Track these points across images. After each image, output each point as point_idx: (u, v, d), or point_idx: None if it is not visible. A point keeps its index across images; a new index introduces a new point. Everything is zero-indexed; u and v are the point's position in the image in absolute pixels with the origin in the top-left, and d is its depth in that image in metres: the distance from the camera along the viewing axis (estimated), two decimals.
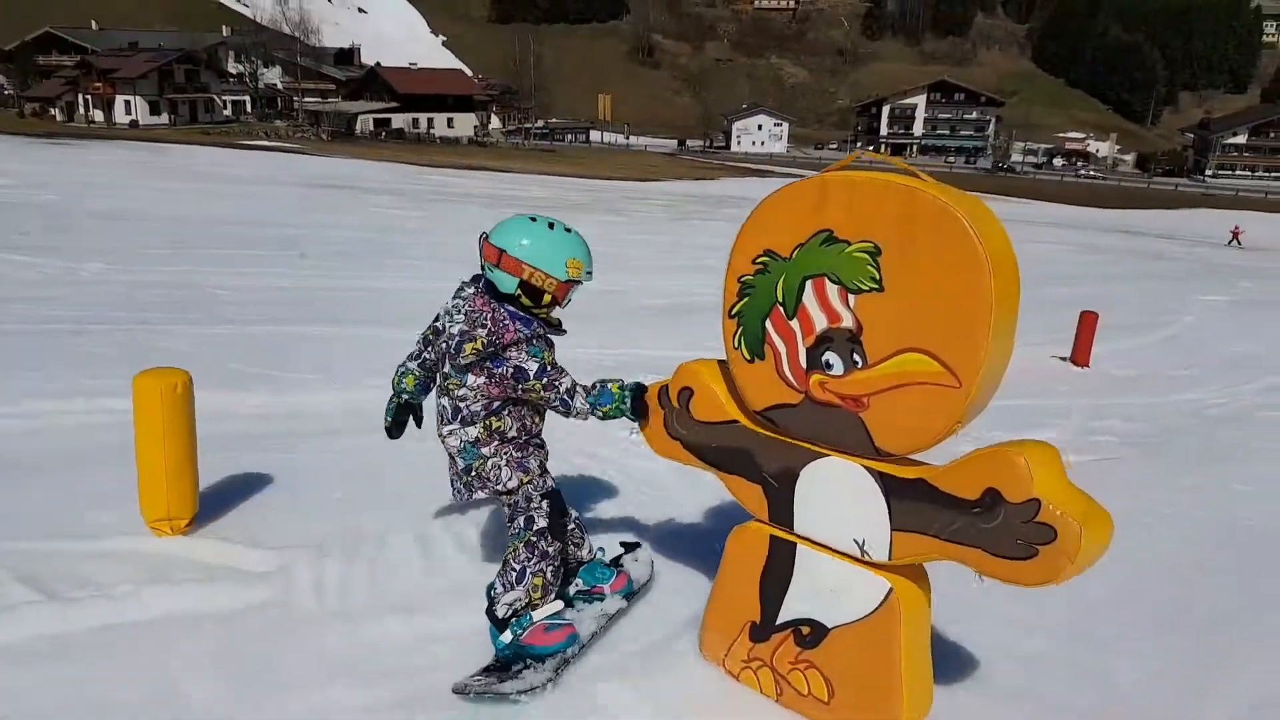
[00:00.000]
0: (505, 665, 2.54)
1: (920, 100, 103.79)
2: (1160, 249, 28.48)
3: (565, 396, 2.55)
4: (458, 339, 2.52)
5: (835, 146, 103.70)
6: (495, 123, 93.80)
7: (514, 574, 2.60)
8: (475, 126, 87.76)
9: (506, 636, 2.57)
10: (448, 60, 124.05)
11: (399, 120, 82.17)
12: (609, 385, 2.63)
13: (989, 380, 2.15)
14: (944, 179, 2.37)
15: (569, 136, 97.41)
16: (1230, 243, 31.50)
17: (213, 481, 3.55)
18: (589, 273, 2.62)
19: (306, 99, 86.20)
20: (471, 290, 2.59)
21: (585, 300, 2.76)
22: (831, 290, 2.26)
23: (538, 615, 2.59)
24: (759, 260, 2.40)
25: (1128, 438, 6.04)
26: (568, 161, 66.43)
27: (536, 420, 2.72)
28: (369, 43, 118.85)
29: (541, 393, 2.54)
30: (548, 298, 2.56)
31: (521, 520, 2.64)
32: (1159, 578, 3.66)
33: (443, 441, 2.65)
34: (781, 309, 2.35)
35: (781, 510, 2.49)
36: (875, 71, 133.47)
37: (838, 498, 2.38)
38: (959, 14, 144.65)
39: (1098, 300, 14.16)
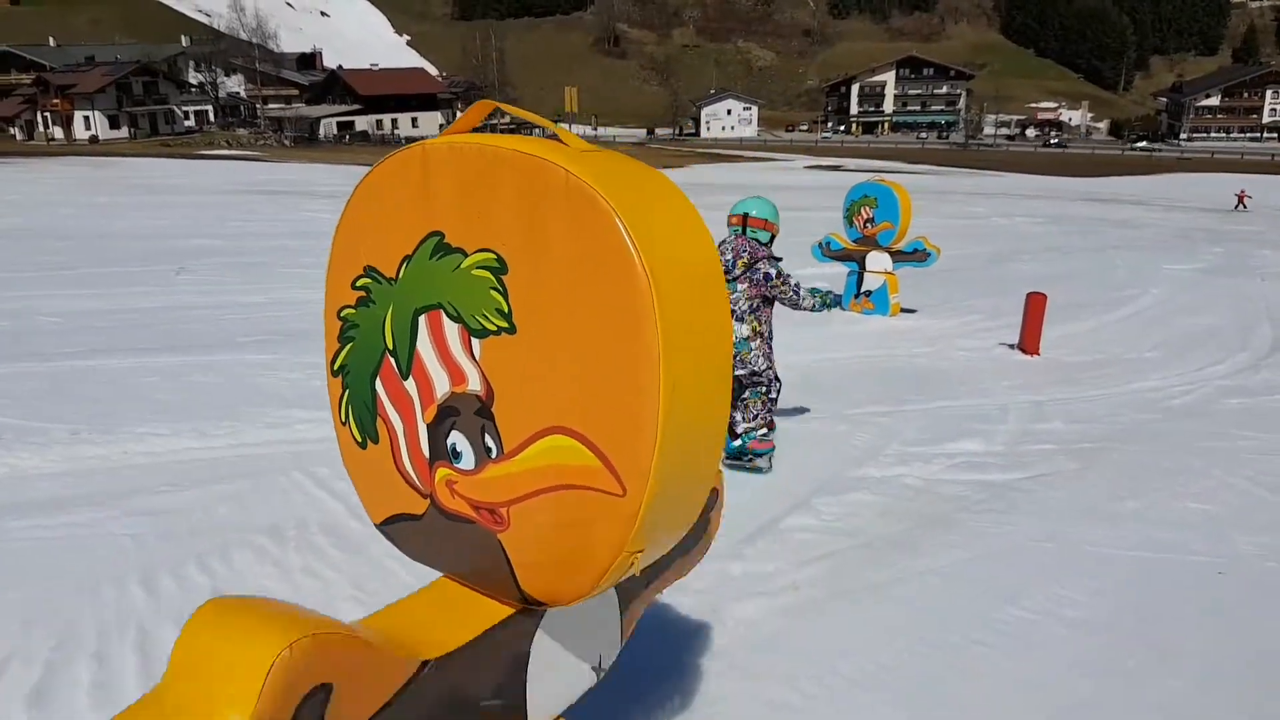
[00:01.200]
0: (735, 456, 4.42)
1: (889, 77, 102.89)
2: (1131, 216, 27.76)
3: (795, 289, 4.28)
4: (731, 258, 4.25)
5: (805, 128, 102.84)
6: None
7: (754, 413, 4.40)
8: (440, 125, 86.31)
9: (737, 443, 4.41)
10: (413, 60, 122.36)
11: (362, 122, 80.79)
12: (816, 286, 4.49)
13: (679, 484, 1.25)
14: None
15: (536, 130, 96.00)
16: (1236, 207, 30.87)
17: None
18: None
19: (269, 105, 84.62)
20: (731, 237, 4.35)
21: None
22: (451, 331, 1.36)
23: (758, 434, 4.43)
24: (360, 284, 1.50)
25: (1070, 443, 5.17)
26: None
27: (772, 328, 4.42)
28: (333, 46, 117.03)
29: (780, 287, 4.26)
30: (774, 238, 4.44)
31: (763, 388, 4.41)
32: (1064, 666, 2.78)
33: None
34: (393, 361, 1.46)
35: None
36: (844, 51, 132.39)
37: (573, 649, 1.49)
38: None
39: (1060, 275, 13.38)
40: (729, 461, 4.41)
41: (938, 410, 5.78)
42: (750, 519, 3.86)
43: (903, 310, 9.38)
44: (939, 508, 4.12)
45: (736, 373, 4.24)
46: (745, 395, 4.41)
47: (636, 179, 1.25)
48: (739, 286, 4.22)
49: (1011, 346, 7.86)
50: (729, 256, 4.25)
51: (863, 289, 9.27)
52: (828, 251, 9.40)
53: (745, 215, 4.42)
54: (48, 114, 75.20)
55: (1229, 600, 3.29)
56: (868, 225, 9.11)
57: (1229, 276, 13.56)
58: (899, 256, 9.07)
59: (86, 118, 74.57)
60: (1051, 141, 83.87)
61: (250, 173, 37.29)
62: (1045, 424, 5.56)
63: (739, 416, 4.39)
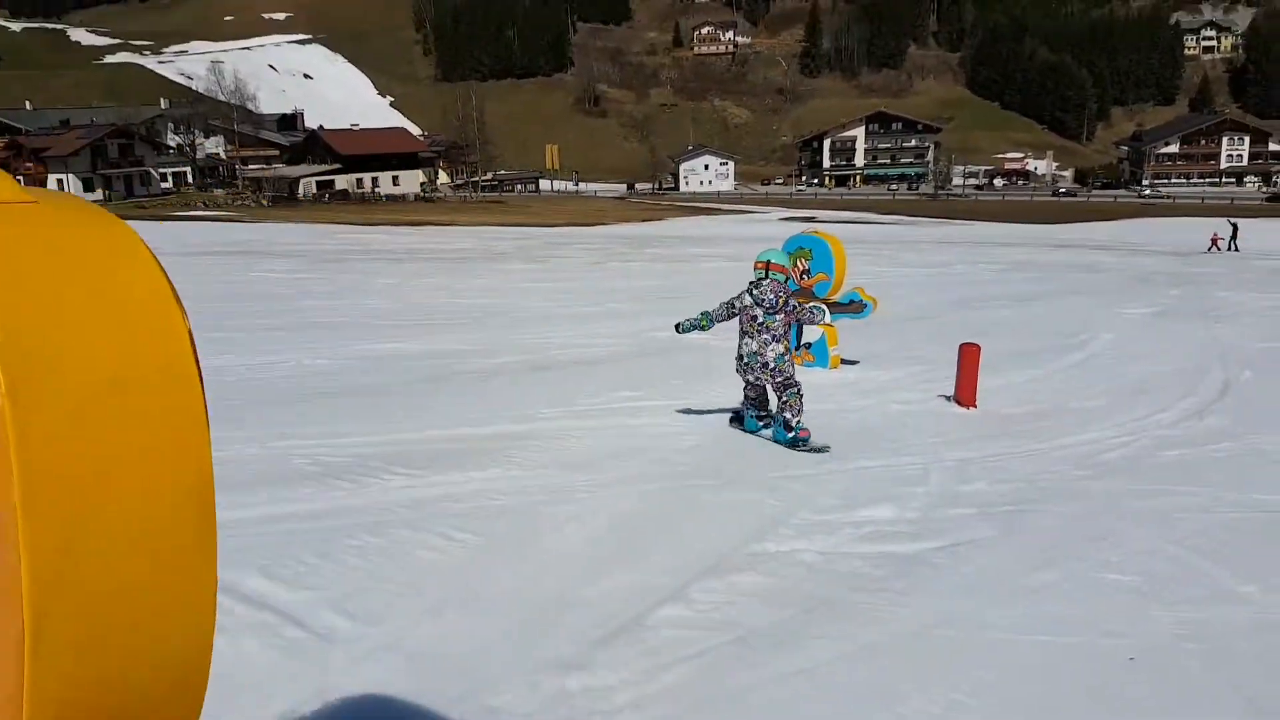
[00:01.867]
0: (792, 445, 5.74)
1: (859, 132, 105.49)
2: (1094, 260, 28.04)
3: (810, 311, 6.09)
4: (771, 296, 5.70)
5: (781, 181, 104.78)
6: (443, 178, 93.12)
7: (798, 408, 5.75)
8: (422, 183, 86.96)
9: (789, 433, 5.76)
10: (396, 120, 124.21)
11: (342, 181, 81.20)
12: (827, 303, 7.80)
13: (99, 712, 0.85)
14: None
15: (518, 187, 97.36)
16: (1210, 249, 31.32)
17: None
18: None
19: (249, 165, 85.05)
20: (766, 282, 5.76)
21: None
22: None
23: (803, 423, 5.79)
24: None
25: (991, 506, 4.80)
26: (514, 212, 65.79)
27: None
28: (316, 108, 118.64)
29: (802, 312, 5.91)
30: (788, 278, 6.10)
31: (794, 389, 5.76)
32: None
33: (759, 355, 5.75)
34: None
35: None
36: (816, 108, 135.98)
37: None
38: (892, 47, 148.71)
39: (1015, 321, 13.23)
40: (800, 451, 5.64)
41: (857, 471, 5.41)
42: (614, 614, 3.43)
43: (844, 361, 9.09)
44: (831, 589, 3.71)
45: (775, 380, 5.75)
46: (785, 397, 5.74)
47: (55, 238, 0.87)
48: (778, 317, 5.69)
49: (949, 399, 7.54)
50: (770, 296, 5.68)
51: (803, 341, 8.98)
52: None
53: (768, 263, 5.85)
54: (20, 178, 75.38)
55: (1133, 695, 2.89)
56: (804, 277, 8.87)
57: (1184, 320, 13.44)
58: (835, 308, 8.80)
59: (60, 180, 74.63)
60: (1061, 191, 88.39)
61: (215, 233, 37.10)
62: (968, 485, 5.19)
63: (789, 415, 5.73)
